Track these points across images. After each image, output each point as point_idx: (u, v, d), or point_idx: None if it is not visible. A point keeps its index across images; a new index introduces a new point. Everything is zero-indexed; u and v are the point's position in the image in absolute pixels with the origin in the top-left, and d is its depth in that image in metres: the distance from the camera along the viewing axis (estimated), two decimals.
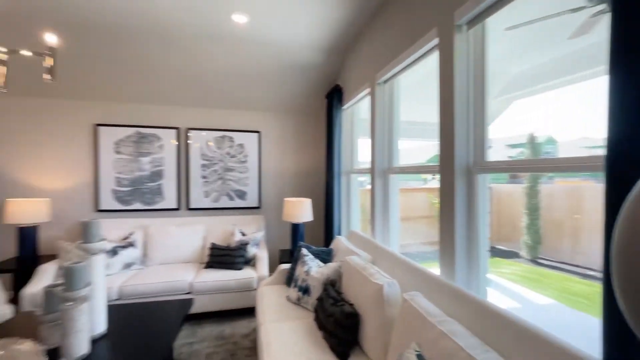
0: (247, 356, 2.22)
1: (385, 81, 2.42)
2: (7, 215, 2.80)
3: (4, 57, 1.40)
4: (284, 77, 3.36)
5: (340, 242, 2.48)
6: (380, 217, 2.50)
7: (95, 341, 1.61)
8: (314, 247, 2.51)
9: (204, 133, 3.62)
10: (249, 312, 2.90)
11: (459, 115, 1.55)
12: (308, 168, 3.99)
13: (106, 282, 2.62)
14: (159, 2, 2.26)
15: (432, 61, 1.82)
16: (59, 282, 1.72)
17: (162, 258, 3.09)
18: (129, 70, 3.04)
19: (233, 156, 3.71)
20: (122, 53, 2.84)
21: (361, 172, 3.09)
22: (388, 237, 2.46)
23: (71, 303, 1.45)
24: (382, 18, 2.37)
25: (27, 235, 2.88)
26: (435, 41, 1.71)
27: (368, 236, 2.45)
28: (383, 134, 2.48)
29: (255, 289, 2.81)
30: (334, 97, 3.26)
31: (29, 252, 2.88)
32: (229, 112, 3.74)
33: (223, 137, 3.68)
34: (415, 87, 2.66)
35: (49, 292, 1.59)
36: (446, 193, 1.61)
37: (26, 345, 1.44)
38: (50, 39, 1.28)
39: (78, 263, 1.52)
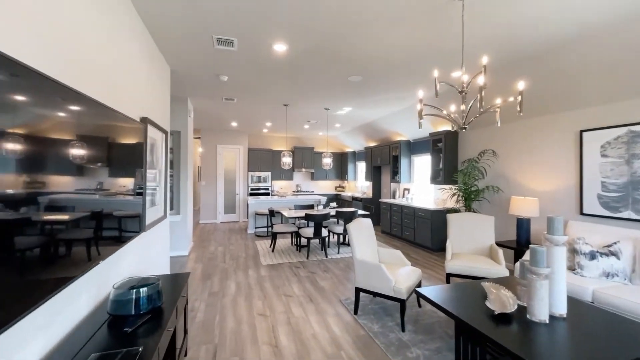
0: None
1: None
2: (511, 208, 3.91)
3: (499, 105, 2.22)
4: None
5: None
6: None
7: (552, 317, 1.94)
8: None
9: None
10: None
11: None
12: None
13: (577, 280, 2.76)
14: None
15: None
16: (528, 259, 2.27)
17: None
18: (609, 70, 2.84)
19: None
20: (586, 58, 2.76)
21: None
22: None
23: (534, 276, 1.93)
24: None
25: (522, 225, 3.80)
26: None
27: None
28: None
29: None
30: None
31: (523, 237, 3.78)
32: None
33: None
34: None
35: (522, 263, 2.19)
36: None
37: (507, 293, 2.16)
38: (520, 85, 1.87)
39: (541, 247, 1.96)
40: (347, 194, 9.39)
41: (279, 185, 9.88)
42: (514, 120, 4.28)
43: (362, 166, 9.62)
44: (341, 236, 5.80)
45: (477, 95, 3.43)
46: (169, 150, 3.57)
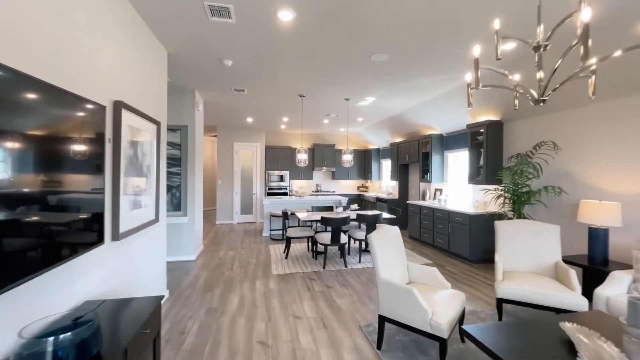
0: None
1: None
2: (580, 214, 3.08)
3: (594, 66, 1.50)
4: None
5: None
6: None
7: None
8: None
9: None
10: None
11: None
12: None
13: None
14: None
15: None
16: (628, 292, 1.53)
17: None
18: None
19: None
20: None
21: None
22: None
23: None
24: None
25: (597, 237, 2.95)
26: None
27: None
28: None
29: None
30: None
31: (598, 253, 2.94)
32: None
33: None
34: None
35: (633, 303, 1.46)
36: None
37: (609, 347, 1.44)
38: None
39: None
40: (371, 194, 8.69)
41: (297, 184, 9.39)
42: (585, 103, 3.41)
43: (387, 164, 8.87)
44: (363, 242, 5.15)
45: (555, 58, 2.57)
46: (162, 145, 3.15)
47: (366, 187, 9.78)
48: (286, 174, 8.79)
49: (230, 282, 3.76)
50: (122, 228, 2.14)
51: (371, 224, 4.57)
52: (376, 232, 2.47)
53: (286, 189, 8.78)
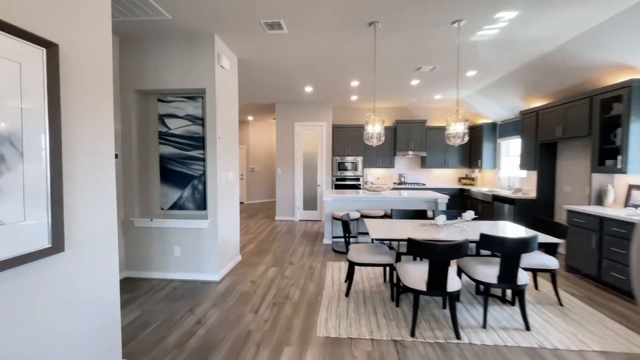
0: None
1: None
2: None
3: None
4: None
5: None
6: None
7: None
8: None
9: None
10: None
11: None
12: None
13: None
14: None
15: None
16: None
17: None
18: None
19: None
20: None
21: None
22: None
23: None
24: None
25: None
26: None
27: None
28: None
29: None
30: None
31: None
32: None
33: None
34: None
35: None
36: None
37: None
38: None
39: None
40: (481, 190, 5.99)
41: (374, 174, 7.34)
42: None
43: (509, 145, 5.97)
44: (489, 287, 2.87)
45: None
46: (88, 94, 1.64)
47: (472, 180, 7.01)
48: (359, 160, 6.84)
49: (241, 346, 2.13)
50: None
51: (513, 255, 2.29)
52: None
53: (359, 179, 6.85)
